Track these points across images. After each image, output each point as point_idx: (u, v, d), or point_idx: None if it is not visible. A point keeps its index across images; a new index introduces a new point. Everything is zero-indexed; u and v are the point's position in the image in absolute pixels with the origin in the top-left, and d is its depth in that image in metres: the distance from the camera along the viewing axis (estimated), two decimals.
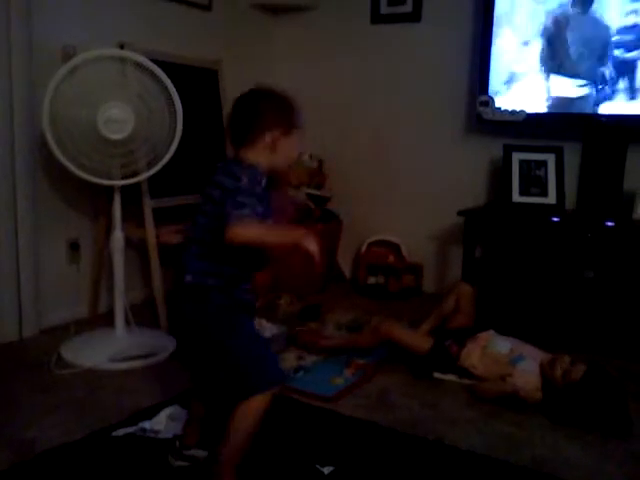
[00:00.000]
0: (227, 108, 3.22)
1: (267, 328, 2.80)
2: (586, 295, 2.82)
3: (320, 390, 2.21)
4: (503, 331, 2.43)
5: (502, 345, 2.30)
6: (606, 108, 2.92)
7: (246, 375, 1.51)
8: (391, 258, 3.58)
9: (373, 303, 3.40)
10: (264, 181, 1.57)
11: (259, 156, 1.59)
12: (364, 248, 3.65)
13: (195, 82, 3.13)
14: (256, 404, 1.48)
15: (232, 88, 3.45)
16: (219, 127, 3.24)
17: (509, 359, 2.22)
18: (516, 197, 3.05)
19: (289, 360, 2.49)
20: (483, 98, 3.15)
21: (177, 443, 1.71)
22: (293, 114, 1.65)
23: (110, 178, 2.45)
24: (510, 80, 3.11)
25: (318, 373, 2.38)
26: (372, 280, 3.62)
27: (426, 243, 3.60)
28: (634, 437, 1.97)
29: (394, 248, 3.61)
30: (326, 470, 1.67)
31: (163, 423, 1.92)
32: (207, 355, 1.59)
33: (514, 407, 2.10)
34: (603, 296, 2.80)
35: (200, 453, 1.69)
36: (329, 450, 1.80)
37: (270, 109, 1.62)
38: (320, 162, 3.81)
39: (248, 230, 1.46)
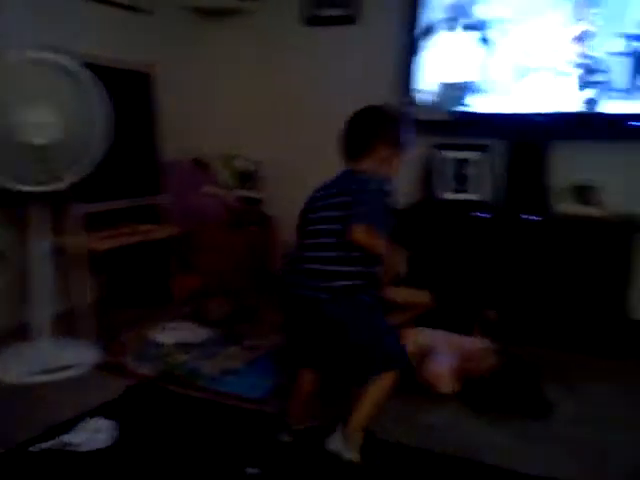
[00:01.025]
0: (161, 111, 3.25)
1: (197, 332, 2.77)
2: (513, 287, 2.89)
3: (250, 392, 2.17)
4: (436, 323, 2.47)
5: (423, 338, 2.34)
6: (532, 107, 2.99)
7: (387, 355, 1.70)
8: None
9: None
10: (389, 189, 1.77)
11: (375, 167, 1.80)
12: None
13: (126, 85, 3.05)
14: (389, 379, 1.68)
15: (168, 91, 3.41)
16: (150, 131, 3.17)
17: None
18: (445, 194, 3.10)
19: (217, 363, 2.45)
20: (410, 97, 3.19)
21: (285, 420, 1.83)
22: (408, 133, 1.85)
23: (31, 184, 2.35)
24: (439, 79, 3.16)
25: (247, 375, 2.35)
26: None
27: None
28: (553, 419, 2.03)
29: None
30: (252, 472, 1.64)
31: (85, 436, 1.85)
32: (347, 344, 1.73)
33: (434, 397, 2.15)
34: (528, 288, 2.86)
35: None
36: (256, 453, 1.77)
37: (391, 124, 1.85)
38: (253, 164, 3.78)
39: (371, 235, 1.66)
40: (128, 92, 3.05)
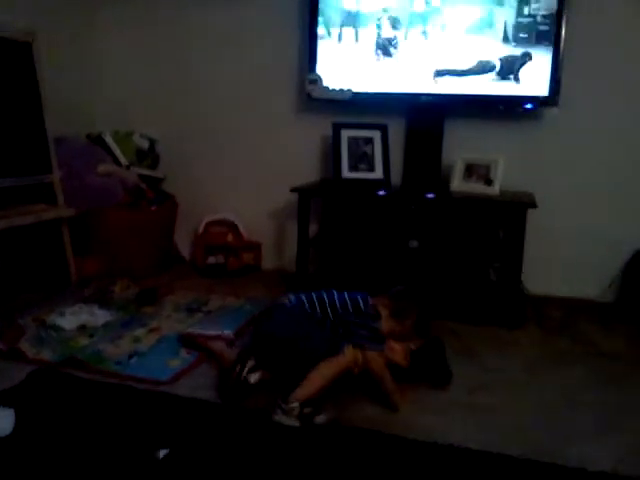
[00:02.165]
0: (49, 84, 3.08)
1: (100, 315, 2.70)
2: (411, 263, 3.01)
3: (155, 374, 2.16)
4: None
5: None
6: (425, 87, 3.10)
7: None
8: (229, 237, 3.57)
9: (213, 282, 3.38)
10: None
11: None
12: (202, 228, 3.60)
13: (5, 56, 2.87)
14: (328, 367, 1.95)
15: (55, 63, 3.24)
16: (36, 104, 3.00)
17: None
18: (346, 173, 3.16)
19: (123, 345, 2.41)
20: (312, 77, 3.22)
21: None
22: None
23: None
24: (337, 59, 3.20)
25: (153, 356, 2.32)
26: (211, 260, 3.59)
27: (264, 221, 3.63)
28: (454, 388, 2.15)
29: (232, 227, 3.61)
30: (161, 454, 1.64)
31: None
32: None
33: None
34: (427, 263, 3.00)
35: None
36: (165, 434, 1.77)
37: None
38: (152, 142, 3.69)
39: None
40: (7, 63, 2.86)
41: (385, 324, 2.14)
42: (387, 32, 3.11)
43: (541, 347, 2.55)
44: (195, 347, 2.38)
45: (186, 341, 2.42)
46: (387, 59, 3.14)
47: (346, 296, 2.18)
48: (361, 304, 2.15)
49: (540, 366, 2.35)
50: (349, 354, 2.00)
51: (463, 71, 3.04)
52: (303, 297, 2.18)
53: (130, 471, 1.58)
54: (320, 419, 1.85)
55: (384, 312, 2.16)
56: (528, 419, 1.93)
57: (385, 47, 3.13)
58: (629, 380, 2.24)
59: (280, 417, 1.83)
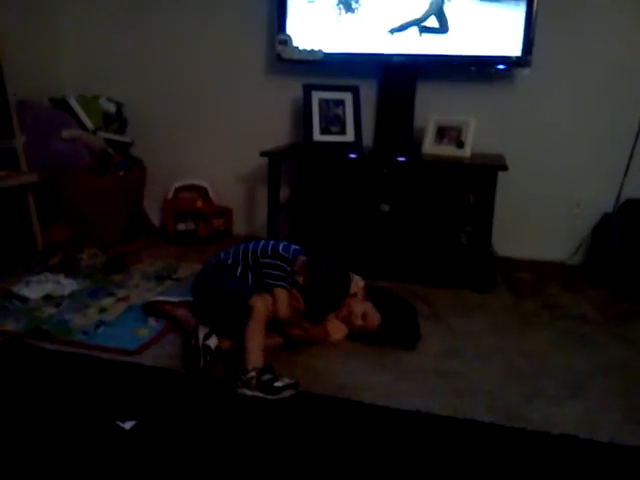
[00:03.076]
0: (7, 43, 2.95)
1: (66, 285, 2.65)
2: (383, 227, 3.00)
3: (123, 343, 2.13)
4: None
5: None
6: (397, 47, 3.04)
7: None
8: (199, 203, 3.51)
9: (183, 250, 3.33)
10: None
11: None
12: (171, 194, 3.54)
13: None
14: (252, 319, 1.98)
15: (10, 21, 3.11)
16: None
17: None
18: (317, 136, 3.11)
19: (90, 315, 2.37)
20: (281, 37, 3.13)
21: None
22: None
23: None
24: (308, 19, 3.11)
25: (121, 326, 2.29)
26: (181, 226, 3.54)
27: (234, 186, 3.58)
28: (422, 353, 2.16)
29: (202, 192, 3.55)
30: (127, 425, 1.63)
31: None
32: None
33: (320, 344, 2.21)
34: (398, 227, 2.99)
35: None
36: (132, 405, 1.75)
37: None
38: (119, 105, 3.59)
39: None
40: None
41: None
42: None
43: (510, 310, 2.57)
44: (160, 315, 2.35)
45: (151, 309, 2.39)
46: (349, 15, 3.06)
47: (271, 243, 2.21)
48: (280, 248, 2.17)
49: (509, 330, 2.37)
50: (257, 303, 2.00)
51: (419, 19, 2.97)
52: (231, 251, 2.24)
53: (97, 443, 1.56)
54: (279, 383, 1.83)
55: (300, 269, 2.15)
56: (496, 384, 1.94)
57: (347, 2, 3.05)
58: (597, 343, 2.27)
59: (242, 389, 1.83)
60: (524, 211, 3.18)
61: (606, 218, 3.06)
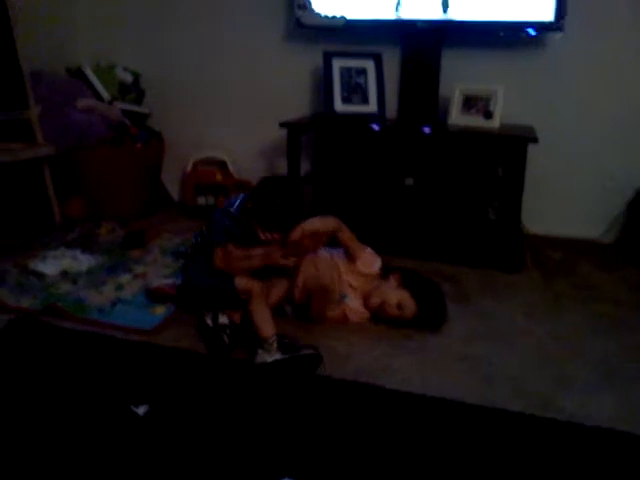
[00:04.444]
0: (20, 12, 2.86)
1: (83, 260, 2.60)
2: (407, 202, 2.89)
3: (139, 323, 2.08)
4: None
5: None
6: (419, 12, 2.89)
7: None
8: (219, 176, 3.43)
9: (203, 224, 3.25)
10: None
11: None
12: (190, 167, 3.46)
13: None
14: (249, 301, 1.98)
15: (26, 6, 3.02)
16: (7, 34, 2.80)
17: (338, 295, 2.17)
18: (338, 106, 2.99)
19: (107, 293, 2.32)
20: (300, 1, 3.00)
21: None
22: None
23: None
24: None
25: (137, 304, 2.23)
26: (201, 200, 3.46)
27: (254, 158, 3.48)
28: (448, 336, 2.07)
29: (221, 165, 3.47)
30: (141, 410, 1.57)
31: None
32: None
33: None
34: (422, 202, 2.88)
35: None
36: (147, 388, 1.70)
37: None
38: (136, 76, 3.50)
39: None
40: None
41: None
42: None
43: (540, 291, 2.46)
44: (164, 299, 2.26)
45: (154, 296, 2.28)
46: None
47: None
48: (236, 202, 2.12)
49: (539, 312, 2.27)
50: (247, 286, 1.98)
51: None
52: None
53: (109, 428, 1.51)
54: (305, 349, 1.84)
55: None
56: (525, 369, 1.86)
57: None
58: (632, 326, 2.16)
59: (262, 356, 1.82)
60: (554, 186, 3.05)
61: None
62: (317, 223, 2.13)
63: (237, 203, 2.12)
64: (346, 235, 2.18)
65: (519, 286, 2.51)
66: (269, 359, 1.81)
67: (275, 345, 1.83)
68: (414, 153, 2.90)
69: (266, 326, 1.88)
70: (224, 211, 2.13)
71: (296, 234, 2.05)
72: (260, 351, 1.84)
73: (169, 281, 2.33)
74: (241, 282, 2.00)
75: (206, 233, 2.15)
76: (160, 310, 2.18)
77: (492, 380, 1.79)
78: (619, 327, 2.15)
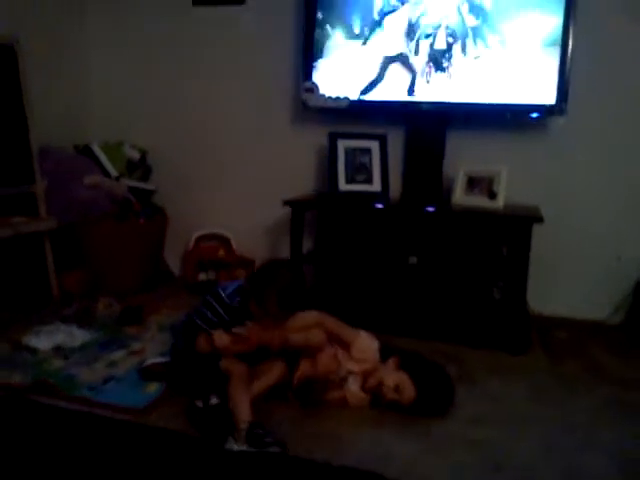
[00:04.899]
0: (35, 91, 2.95)
1: (78, 335, 2.54)
2: (411, 280, 2.85)
3: (130, 401, 1.99)
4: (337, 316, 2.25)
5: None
6: (425, 95, 2.95)
7: None
8: (221, 252, 3.41)
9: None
10: None
11: None
12: (192, 243, 3.45)
13: None
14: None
15: (40, 69, 3.12)
16: (20, 112, 2.87)
17: (338, 379, 2.10)
18: (342, 185, 3.01)
19: (99, 370, 2.25)
20: (307, 85, 3.07)
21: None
22: None
23: None
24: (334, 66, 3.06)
25: (130, 381, 2.16)
26: (202, 276, 3.43)
27: (257, 235, 3.47)
28: (453, 420, 1.98)
29: (224, 242, 3.45)
30: None
31: None
32: None
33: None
34: (426, 281, 2.84)
35: None
36: (134, 471, 1.60)
37: None
38: (143, 153, 3.55)
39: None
40: None
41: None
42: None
43: (547, 374, 2.37)
44: (157, 378, 2.17)
45: (146, 374, 2.20)
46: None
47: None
48: (222, 293, 2.07)
49: (547, 396, 2.17)
50: (229, 366, 1.95)
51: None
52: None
53: None
54: (269, 439, 1.73)
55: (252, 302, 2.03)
56: (533, 458, 1.75)
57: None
58: None
59: (230, 443, 1.73)
60: (560, 266, 3.00)
61: None
62: (297, 321, 2.07)
63: (232, 288, 2.08)
64: (331, 325, 2.13)
65: (525, 368, 2.42)
66: (236, 447, 1.72)
67: (244, 434, 1.73)
68: (418, 232, 2.89)
69: (240, 411, 1.80)
70: (216, 295, 2.08)
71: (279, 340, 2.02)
72: (230, 438, 1.75)
73: (163, 359, 2.26)
74: (224, 363, 1.97)
75: (194, 315, 2.10)
76: (152, 388, 2.10)
77: (499, 470, 1.69)
78: (631, 412, 2.05)
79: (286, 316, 2.04)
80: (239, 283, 2.11)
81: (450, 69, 2.89)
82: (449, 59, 2.88)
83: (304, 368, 2.07)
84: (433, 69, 2.91)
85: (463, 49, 2.86)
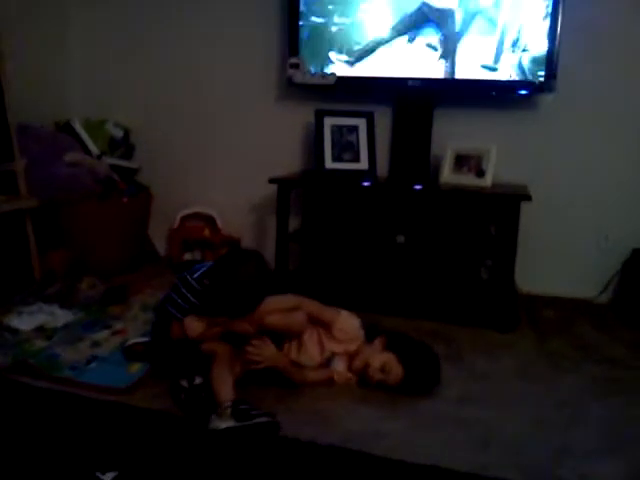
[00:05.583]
0: (10, 67, 2.86)
1: (60, 316, 2.50)
2: (398, 259, 2.83)
3: (113, 381, 1.96)
4: (324, 299, 2.18)
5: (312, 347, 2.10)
6: (413, 71, 2.90)
7: None
8: (206, 232, 3.36)
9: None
10: None
11: None
12: (177, 222, 3.40)
13: None
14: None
15: (16, 44, 3.03)
16: None
17: (324, 360, 2.08)
18: (329, 163, 2.96)
19: (82, 350, 2.21)
20: (292, 60, 3.01)
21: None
22: None
23: None
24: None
25: (113, 361, 2.13)
26: (188, 256, 3.38)
27: (243, 214, 3.43)
28: (441, 399, 1.96)
29: (209, 221, 3.40)
30: (108, 477, 1.45)
31: None
32: None
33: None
34: (414, 260, 2.82)
35: None
36: (116, 452, 1.57)
37: None
38: (126, 131, 3.48)
39: None
40: None
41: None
42: None
43: (535, 352, 2.36)
44: (140, 357, 2.15)
45: (129, 353, 2.18)
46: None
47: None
48: (189, 278, 2.02)
49: (535, 373, 2.17)
50: (213, 347, 1.93)
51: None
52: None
53: None
54: (256, 412, 1.72)
55: None
56: (522, 435, 1.74)
57: None
58: (632, 388, 2.06)
59: (215, 422, 1.70)
60: (548, 245, 2.99)
61: (637, 253, 2.86)
62: (274, 304, 2.00)
63: (199, 272, 2.03)
64: (310, 308, 2.08)
65: (513, 346, 2.41)
66: (222, 425, 1.68)
67: (229, 411, 1.71)
68: (405, 211, 2.86)
69: (224, 390, 1.77)
70: (184, 280, 2.03)
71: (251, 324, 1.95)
72: (214, 416, 1.72)
73: (146, 339, 2.22)
74: (206, 345, 1.94)
75: (166, 302, 2.05)
76: (135, 368, 2.07)
77: (488, 446, 1.67)
78: (617, 389, 2.05)
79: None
80: (207, 266, 2.05)
81: (439, 45, 2.84)
82: (439, 35, 2.84)
83: (288, 352, 2.04)
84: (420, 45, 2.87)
85: (452, 25, 2.81)
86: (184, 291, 2.00)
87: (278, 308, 2.00)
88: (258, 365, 1.91)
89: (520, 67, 2.75)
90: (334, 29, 2.96)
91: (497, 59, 2.78)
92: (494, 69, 2.79)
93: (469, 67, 2.82)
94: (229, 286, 1.89)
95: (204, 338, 1.95)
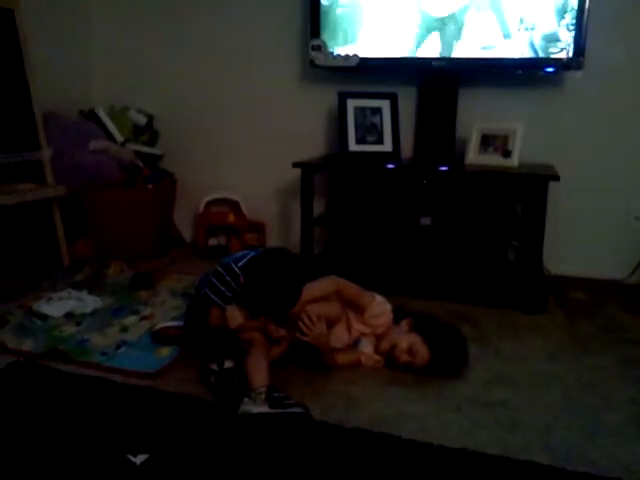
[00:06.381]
0: (36, 56, 2.89)
1: (89, 302, 2.53)
2: (423, 242, 2.81)
3: (142, 365, 1.98)
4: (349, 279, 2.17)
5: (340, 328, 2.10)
6: (437, 51, 2.86)
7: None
8: (231, 217, 3.37)
9: (214, 265, 3.19)
10: None
11: None
12: (202, 208, 3.41)
13: None
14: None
15: (40, 32, 3.05)
16: (22, 77, 2.81)
17: (351, 342, 2.09)
18: (353, 146, 2.94)
19: (111, 335, 2.24)
20: (314, 42, 2.99)
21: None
22: None
23: None
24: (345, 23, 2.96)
25: (142, 346, 2.14)
26: (213, 241, 3.41)
27: (267, 199, 3.43)
28: (468, 381, 1.95)
29: (234, 206, 3.41)
30: (139, 459, 1.47)
31: None
32: None
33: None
34: (440, 242, 2.79)
35: None
36: (146, 435, 1.59)
37: None
38: (150, 117, 3.50)
39: None
40: None
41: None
42: None
43: (564, 334, 2.33)
44: (169, 341, 2.16)
45: (158, 338, 2.19)
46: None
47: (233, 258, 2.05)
48: (234, 266, 1.99)
49: (564, 355, 2.14)
50: (251, 336, 1.91)
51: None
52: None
53: (105, 476, 1.41)
54: (290, 401, 1.71)
55: None
56: (551, 417, 1.72)
57: None
58: None
59: (246, 406, 1.68)
60: (577, 225, 2.94)
61: None
62: (315, 291, 1.99)
63: (244, 261, 2.00)
64: (349, 291, 2.07)
65: (542, 328, 2.38)
66: (254, 410, 1.67)
67: (263, 397, 1.69)
68: (431, 192, 2.84)
69: (259, 376, 1.75)
70: (228, 268, 2.00)
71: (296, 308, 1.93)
72: (246, 400, 1.70)
73: (175, 323, 2.24)
74: (245, 334, 1.93)
75: (207, 287, 2.04)
76: (165, 352, 2.09)
77: (516, 428, 1.66)
78: None
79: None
80: (251, 254, 2.02)
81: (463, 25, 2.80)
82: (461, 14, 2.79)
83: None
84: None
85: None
86: (228, 279, 1.98)
87: (318, 295, 2.00)
88: (303, 338, 1.90)
89: (546, 43, 2.69)
90: (356, 10, 2.92)
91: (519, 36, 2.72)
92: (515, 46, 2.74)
93: (494, 45, 2.77)
94: (268, 295, 1.87)
95: (243, 329, 1.95)
